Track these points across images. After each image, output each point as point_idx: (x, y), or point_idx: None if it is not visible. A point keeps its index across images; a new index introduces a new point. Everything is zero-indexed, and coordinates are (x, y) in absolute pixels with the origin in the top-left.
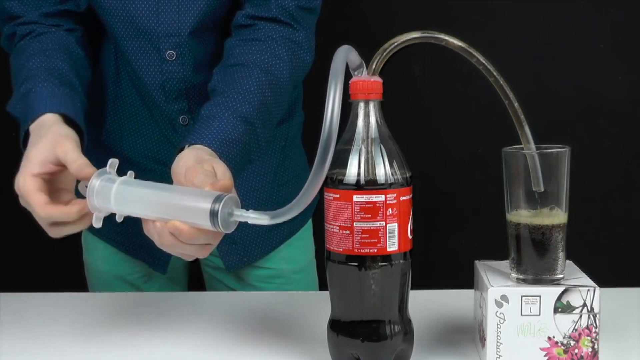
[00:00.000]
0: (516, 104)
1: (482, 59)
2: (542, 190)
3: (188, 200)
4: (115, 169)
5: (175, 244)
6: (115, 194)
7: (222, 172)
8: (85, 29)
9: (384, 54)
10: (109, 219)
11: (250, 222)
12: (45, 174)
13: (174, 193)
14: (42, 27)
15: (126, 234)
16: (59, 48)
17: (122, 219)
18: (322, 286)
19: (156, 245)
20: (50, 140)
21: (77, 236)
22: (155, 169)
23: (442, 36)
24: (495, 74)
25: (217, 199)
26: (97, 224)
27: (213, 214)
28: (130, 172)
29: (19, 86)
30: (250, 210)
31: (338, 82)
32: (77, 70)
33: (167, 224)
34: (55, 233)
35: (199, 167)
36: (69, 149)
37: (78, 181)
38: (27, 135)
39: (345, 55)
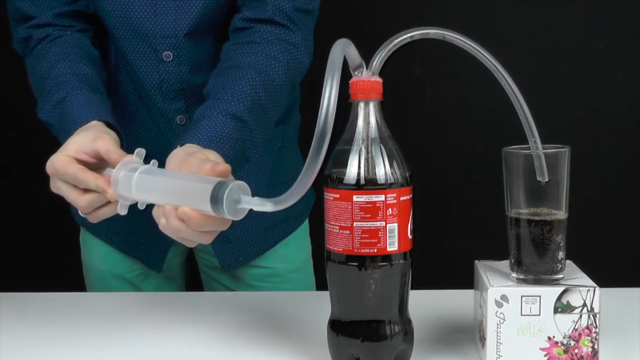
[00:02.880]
0: (516, 89)
1: (480, 48)
2: (547, 180)
3: (197, 188)
4: (143, 158)
5: (180, 229)
6: (136, 182)
7: (215, 157)
8: (95, 29)
9: (384, 52)
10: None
11: (255, 209)
12: (78, 161)
13: (184, 181)
14: (57, 29)
15: (123, 233)
16: (79, 52)
17: (144, 207)
18: (320, 286)
19: (159, 228)
20: (93, 134)
21: (76, 236)
22: None
23: (440, 31)
24: (495, 63)
25: (224, 186)
26: (123, 212)
27: (217, 200)
28: (154, 161)
29: (47, 93)
30: (255, 198)
31: (336, 70)
32: (99, 72)
33: (178, 210)
34: (85, 204)
35: (191, 157)
36: (111, 143)
37: None
38: None
39: (343, 47)
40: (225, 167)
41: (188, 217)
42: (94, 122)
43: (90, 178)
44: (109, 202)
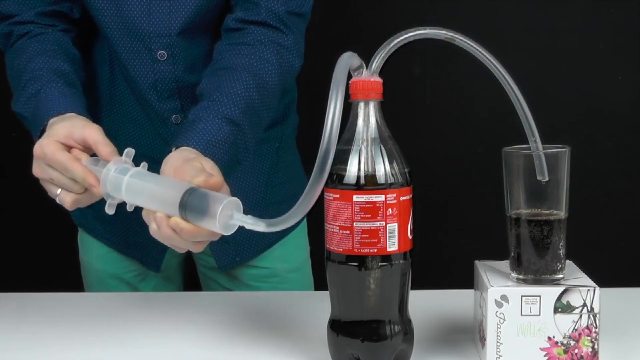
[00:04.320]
0: (516, 89)
1: (480, 48)
2: (547, 179)
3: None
4: (132, 158)
5: (172, 238)
6: (126, 186)
7: (210, 167)
8: (78, 30)
9: (384, 52)
10: (104, 218)
11: (247, 227)
12: (66, 147)
13: (174, 192)
14: (39, 27)
15: (120, 233)
16: (58, 49)
17: (132, 209)
18: (319, 286)
19: (150, 233)
20: (81, 122)
21: (75, 236)
22: (150, 167)
23: (440, 31)
24: (491, 58)
25: (193, 194)
26: (110, 211)
27: (185, 207)
28: (144, 164)
29: (23, 86)
30: (249, 216)
31: (339, 92)
32: (76, 70)
33: (170, 220)
34: (66, 200)
35: (187, 165)
36: (100, 134)
37: None
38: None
39: (347, 63)
40: (219, 180)
41: (180, 227)
42: (71, 114)
43: (78, 171)
44: (86, 189)
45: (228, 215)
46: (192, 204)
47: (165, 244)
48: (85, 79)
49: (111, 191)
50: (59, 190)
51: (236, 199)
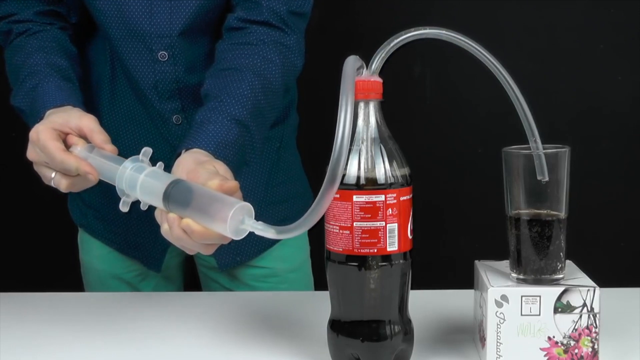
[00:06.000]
0: (516, 89)
1: (480, 48)
2: (547, 179)
3: (207, 206)
4: (149, 157)
5: (182, 239)
6: (141, 184)
7: (224, 171)
8: (76, 29)
9: (384, 52)
10: (105, 218)
11: (257, 232)
12: (62, 133)
13: (194, 196)
14: (37, 25)
15: (121, 233)
16: (55, 45)
17: (146, 207)
18: (318, 286)
19: (161, 232)
20: (77, 112)
21: (75, 236)
22: None
23: (440, 31)
24: (491, 58)
25: (177, 185)
26: (124, 208)
27: (169, 199)
28: (160, 164)
29: (22, 81)
30: (259, 222)
31: (349, 101)
32: (73, 66)
33: (182, 221)
34: (61, 183)
35: (200, 167)
36: (95, 122)
37: None
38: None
39: (353, 70)
40: (234, 184)
41: (191, 229)
42: (68, 106)
43: (71, 161)
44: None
45: (239, 220)
46: (174, 195)
47: (176, 245)
48: (82, 74)
49: (126, 189)
50: (53, 174)
51: (248, 204)
